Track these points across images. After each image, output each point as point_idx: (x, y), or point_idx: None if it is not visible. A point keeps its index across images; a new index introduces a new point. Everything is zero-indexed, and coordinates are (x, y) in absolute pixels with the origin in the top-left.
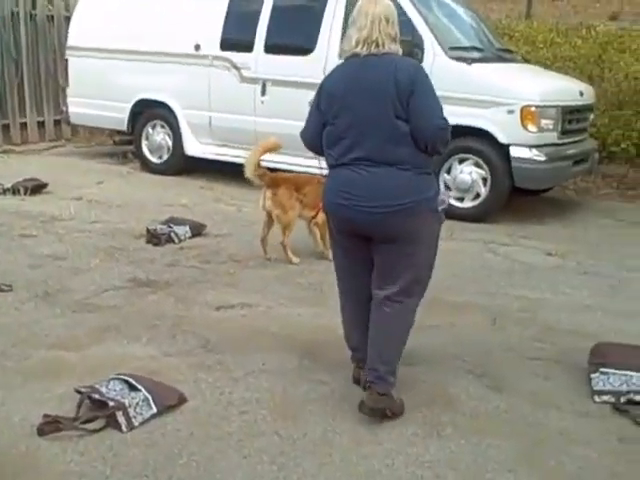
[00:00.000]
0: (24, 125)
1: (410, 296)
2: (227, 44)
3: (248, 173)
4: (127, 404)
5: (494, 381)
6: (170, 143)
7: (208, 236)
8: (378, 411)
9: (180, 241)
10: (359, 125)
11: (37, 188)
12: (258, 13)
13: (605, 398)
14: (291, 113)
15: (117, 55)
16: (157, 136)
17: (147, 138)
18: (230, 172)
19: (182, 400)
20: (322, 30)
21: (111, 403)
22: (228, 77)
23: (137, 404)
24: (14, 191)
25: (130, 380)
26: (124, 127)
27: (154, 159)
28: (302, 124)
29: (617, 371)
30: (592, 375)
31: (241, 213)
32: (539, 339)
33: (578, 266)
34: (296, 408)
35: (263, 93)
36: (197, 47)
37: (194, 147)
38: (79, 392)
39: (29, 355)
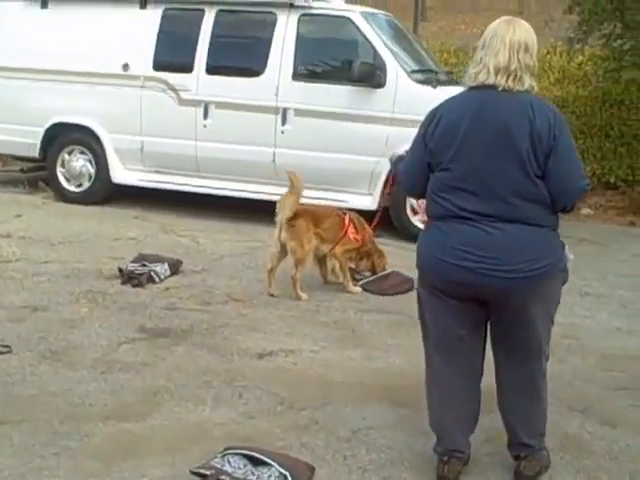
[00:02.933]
0: None
1: (543, 360)
2: (161, 64)
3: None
4: None
5: (602, 417)
6: (92, 170)
7: (186, 273)
8: (537, 475)
9: (161, 280)
10: (482, 174)
11: None
12: (197, 32)
13: None
14: (237, 137)
15: (27, 75)
16: (76, 162)
17: (63, 165)
18: (158, 199)
19: (312, 471)
20: (272, 51)
21: None
22: (164, 99)
23: None
24: None
25: (253, 454)
26: (35, 153)
27: (72, 187)
28: (249, 148)
29: None
30: None
31: (200, 245)
32: (606, 367)
33: (575, 285)
34: (433, 465)
35: (205, 116)
36: (125, 67)
37: (122, 174)
38: (201, 475)
39: (88, 432)
